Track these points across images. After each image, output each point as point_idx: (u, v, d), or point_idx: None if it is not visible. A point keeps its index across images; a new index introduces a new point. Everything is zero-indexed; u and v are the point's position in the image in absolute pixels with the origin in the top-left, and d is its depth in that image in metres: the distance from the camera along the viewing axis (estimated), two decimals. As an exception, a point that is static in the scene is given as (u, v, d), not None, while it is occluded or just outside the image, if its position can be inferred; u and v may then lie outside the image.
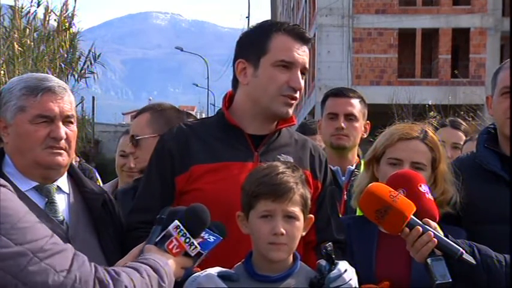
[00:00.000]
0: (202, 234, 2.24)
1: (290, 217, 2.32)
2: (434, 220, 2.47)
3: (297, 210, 2.34)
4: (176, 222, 2.19)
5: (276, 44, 2.66)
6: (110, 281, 1.94)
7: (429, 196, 2.54)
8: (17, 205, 2.00)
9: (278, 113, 2.70)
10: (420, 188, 2.53)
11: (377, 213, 2.40)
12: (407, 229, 2.39)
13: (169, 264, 2.13)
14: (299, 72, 2.67)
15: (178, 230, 2.17)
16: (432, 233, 2.38)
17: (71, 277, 1.89)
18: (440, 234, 2.41)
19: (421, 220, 2.42)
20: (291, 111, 2.71)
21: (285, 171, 2.36)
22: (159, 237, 2.19)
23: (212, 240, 2.25)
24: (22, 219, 1.94)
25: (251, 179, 2.39)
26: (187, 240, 2.17)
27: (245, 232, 2.41)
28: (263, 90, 2.68)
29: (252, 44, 2.72)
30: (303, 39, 2.70)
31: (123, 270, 2.02)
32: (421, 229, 2.39)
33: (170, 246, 2.17)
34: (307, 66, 2.71)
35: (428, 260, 2.37)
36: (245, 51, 2.73)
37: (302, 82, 2.68)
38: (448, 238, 2.42)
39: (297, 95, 2.69)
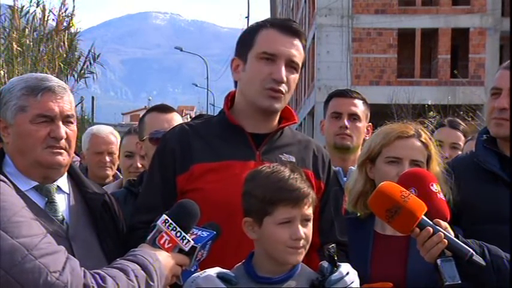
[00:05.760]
0: (195, 232, 2.23)
1: (307, 220, 2.31)
2: (445, 220, 2.45)
3: (311, 212, 2.33)
4: (164, 216, 2.18)
5: (261, 37, 2.66)
6: None
7: (440, 196, 2.52)
8: (14, 199, 2.01)
9: (263, 107, 2.65)
10: (432, 188, 2.51)
11: (387, 212, 2.37)
12: (417, 229, 2.38)
13: (160, 260, 2.12)
14: (283, 65, 2.62)
15: (167, 224, 2.17)
16: (442, 234, 2.37)
17: (62, 279, 1.89)
18: (451, 234, 2.40)
19: (432, 220, 2.40)
20: (277, 104, 2.65)
21: (296, 176, 2.32)
22: (151, 235, 2.20)
23: (205, 235, 2.24)
24: (18, 214, 1.96)
25: (262, 184, 2.31)
26: (178, 234, 2.17)
27: (253, 237, 2.35)
28: (249, 84, 2.67)
29: (243, 41, 2.73)
30: (290, 32, 2.66)
31: (110, 274, 2.01)
32: (431, 230, 2.37)
33: (162, 242, 2.17)
34: (295, 59, 2.65)
35: (438, 261, 2.35)
36: (238, 49, 2.75)
37: (284, 74, 2.61)
38: (458, 239, 2.41)
39: (282, 87, 2.63)
